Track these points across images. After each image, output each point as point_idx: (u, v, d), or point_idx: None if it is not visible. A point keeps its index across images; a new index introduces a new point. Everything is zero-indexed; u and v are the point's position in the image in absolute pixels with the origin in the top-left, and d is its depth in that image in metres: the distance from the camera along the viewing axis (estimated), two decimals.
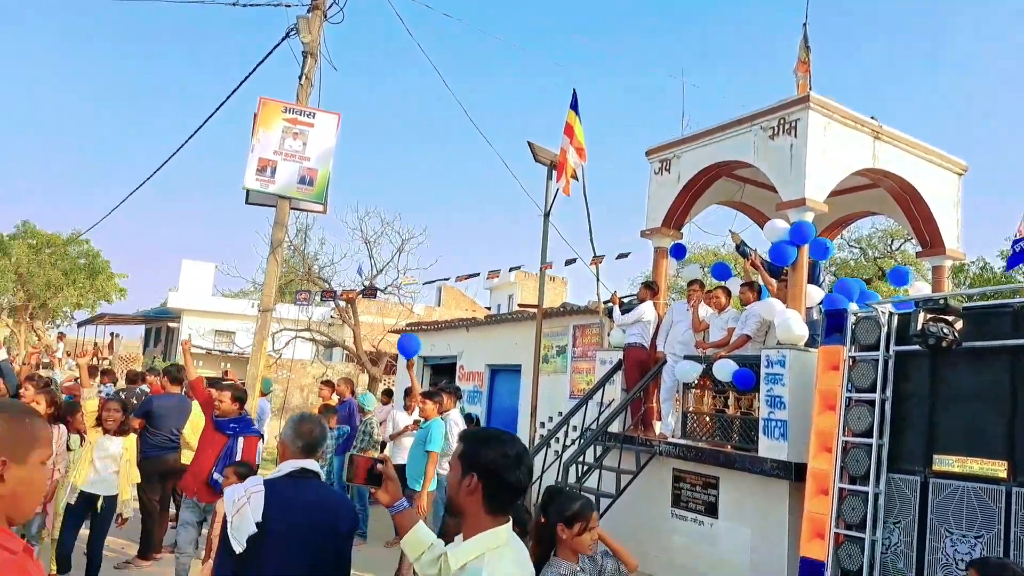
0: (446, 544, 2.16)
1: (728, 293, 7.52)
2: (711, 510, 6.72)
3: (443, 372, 12.98)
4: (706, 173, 8.13)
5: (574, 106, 8.42)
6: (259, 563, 2.62)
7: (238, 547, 2.62)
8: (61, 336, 22.91)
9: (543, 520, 2.90)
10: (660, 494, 7.22)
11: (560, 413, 9.05)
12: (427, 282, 10.83)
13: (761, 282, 7.53)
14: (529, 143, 9.00)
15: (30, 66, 63.78)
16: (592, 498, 3.03)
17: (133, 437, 5.86)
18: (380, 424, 9.09)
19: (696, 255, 20.16)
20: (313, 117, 7.64)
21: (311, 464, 2.88)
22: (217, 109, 8.57)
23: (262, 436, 5.65)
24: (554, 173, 8.90)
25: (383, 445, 8.98)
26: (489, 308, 33.94)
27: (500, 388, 11.47)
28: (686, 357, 7.27)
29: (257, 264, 39.76)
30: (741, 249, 8.08)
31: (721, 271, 8.65)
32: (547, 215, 9.05)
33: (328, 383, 10.07)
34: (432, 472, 6.46)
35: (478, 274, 10.20)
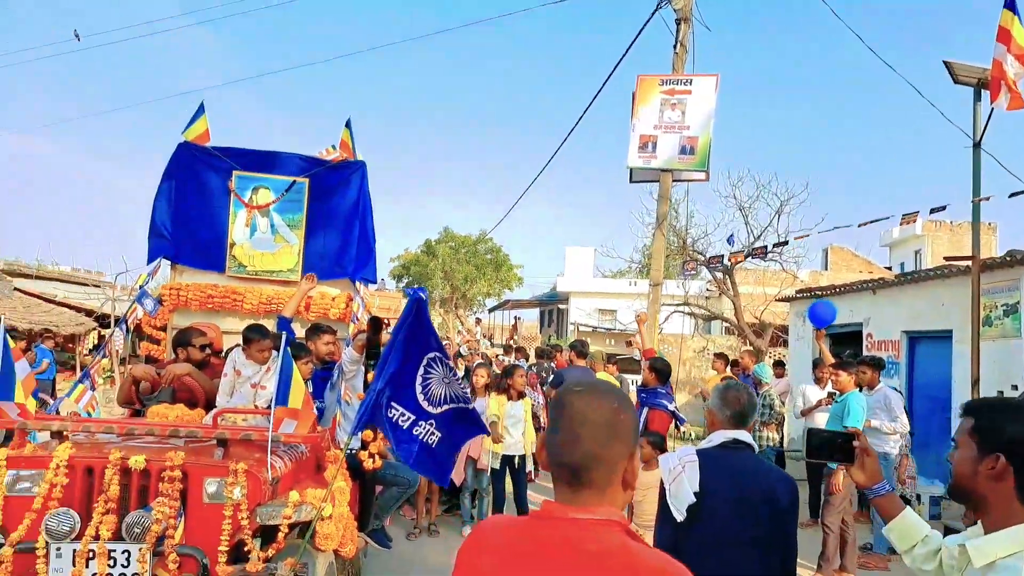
0: None
1: None
2: None
3: (845, 342, 11.62)
4: None
5: (1010, 5, 6.72)
6: (699, 532, 2.58)
7: (678, 515, 2.64)
8: (478, 321, 27.10)
9: None
10: None
11: (1015, 387, 7.37)
12: (823, 231, 9.78)
13: None
14: (946, 63, 7.46)
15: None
16: None
17: (529, 400, 6.80)
18: (779, 397, 8.58)
19: None
20: (690, 84, 7.47)
21: (743, 435, 2.79)
22: (599, 91, 9.09)
23: (673, 415, 5.73)
24: (983, 93, 7.25)
25: (782, 419, 8.45)
26: (889, 268, 29.65)
27: (923, 358, 9.81)
28: None
29: (632, 243, 41.58)
30: None
31: None
32: (977, 144, 7.39)
33: (721, 355, 9.87)
34: None
35: (887, 218, 8.87)
